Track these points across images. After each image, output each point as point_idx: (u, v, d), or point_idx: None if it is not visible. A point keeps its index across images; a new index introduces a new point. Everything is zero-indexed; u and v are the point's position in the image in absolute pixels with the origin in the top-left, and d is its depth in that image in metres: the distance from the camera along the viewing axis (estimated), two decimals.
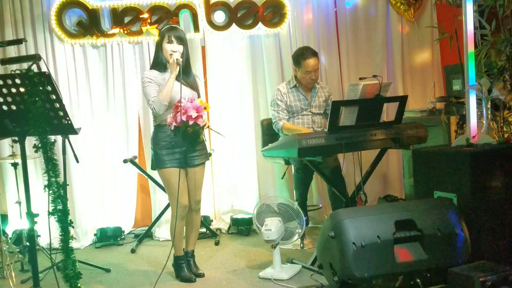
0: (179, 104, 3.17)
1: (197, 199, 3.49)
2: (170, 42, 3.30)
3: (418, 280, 2.76)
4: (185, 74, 3.36)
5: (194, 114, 3.17)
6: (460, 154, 3.06)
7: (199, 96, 3.44)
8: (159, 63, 3.38)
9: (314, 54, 3.93)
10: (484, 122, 3.30)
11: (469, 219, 2.92)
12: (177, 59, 3.22)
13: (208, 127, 3.38)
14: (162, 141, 3.34)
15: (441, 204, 2.97)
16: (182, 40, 3.33)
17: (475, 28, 3.37)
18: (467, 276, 2.60)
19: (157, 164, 3.39)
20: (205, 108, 3.24)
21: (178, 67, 3.23)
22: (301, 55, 3.92)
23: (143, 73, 3.45)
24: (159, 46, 3.37)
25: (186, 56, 3.36)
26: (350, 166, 3.83)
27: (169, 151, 3.33)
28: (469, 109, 3.27)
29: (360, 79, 3.61)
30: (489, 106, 3.31)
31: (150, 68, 3.44)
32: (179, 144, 3.31)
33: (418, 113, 4.23)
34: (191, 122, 3.17)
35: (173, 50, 3.28)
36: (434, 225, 2.82)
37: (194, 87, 3.42)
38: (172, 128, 3.23)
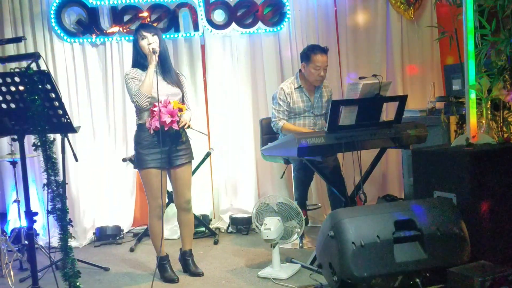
0: (154, 109, 3.16)
1: (187, 199, 3.45)
2: (143, 38, 3.25)
3: (418, 280, 2.76)
4: (166, 68, 3.31)
5: (168, 120, 3.16)
6: (459, 154, 3.06)
7: (183, 95, 3.39)
8: (139, 64, 3.32)
9: (325, 51, 3.87)
10: (483, 122, 3.30)
11: (469, 219, 2.92)
12: (153, 48, 3.19)
13: (189, 126, 3.32)
14: (144, 141, 3.29)
15: (440, 203, 2.97)
16: (155, 33, 3.28)
17: (475, 28, 3.37)
18: (467, 276, 2.59)
19: (138, 164, 3.34)
20: (180, 110, 3.22)
21: (155, 56, 3.19)
22: (312, 50, 3.84)
23: (126, 71, 3.40)
24: (135, 47, 3.32)
25: (163, 48, 3.30)
26: (350, 165, 3.83)
27: (150, 151, 3.28)
28: (468, 109, 3.26)
29: (360, 78, 3.60)
30: (489, 106, 3.31)
31: (132, 67, 3.39)
32: (163, 144, 3.26)
33: (417, 112, 4.23)
34: (166, 128, 3.17)
35: (149, 42, 3.23)
36: (434, 225, 2.81)
37: (177, 84, 3.37)
38: (152, 132, 3.23)
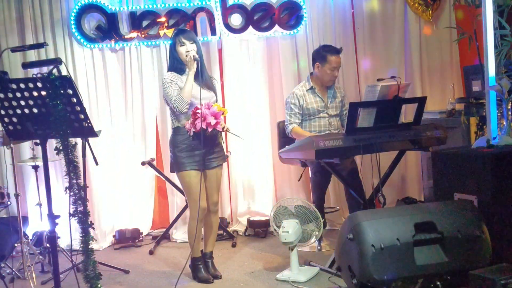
0: (197, 111, 3.21)
1: (214, 201, 3.51)
2: (182, 44, 3.33)
3: (438, 283, 2.74)
4: (202, 74, 3.37)
5: (212, 122, 3.20)
6: (480, 155, 3.02)
7: (217, 98, 3.47)
8: (175, 68, 3.40)
9: (339, 51, 3.91)
10: (504, 123, 3.26)
11: (490, 221, 2.88)
12: (193, 55, 3.26)
13: (227, 130, 3.39)
14: (181, 144, 3.35)
15: (461, 206, 2.93)
16: (193, 40, 3.36)
17: (494, 28, 3.33)
18: (488, 279, 2.56)
19: (176, 167, 3.40)
20: (223, 114, 3.27)
21: (195, 63, 3.26)
22: (328, 51, 3.87)
23: (163, 75, 3.47)
24: (172, 52, 3.40)
25: (200, 54, 3.38)
26: (368, 168, 3.82)
27: (189, 154, 3.34)
28: (489, 110, 3.23)
29: (378, 80, 3.59)
30: (509, 107, 3.27)
31: (168, 71, 3.47)
32: (198, 146, 3.33)
33: (437, 114, 4.19)
34: (210, 129, 3.21)
35: (187, 50, 3.31)
36: (455, 228, 2.78)
37: (211, 88, 3.44)
38: (191, 134, 3.27)
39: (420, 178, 4.71)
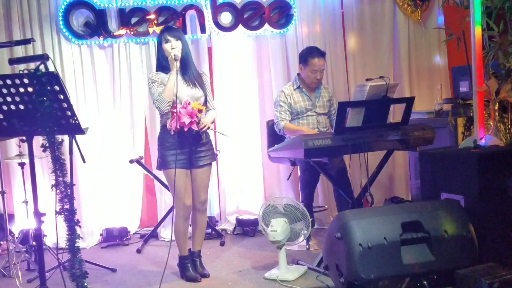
0: (174, 110, 3.20)
1: (202, 200, 3.49)
2: (167, 41, 3.30)
3: (425, 282, 2.75)
4: (187, 71, 3.35)
5: (187, 121, 3.18)
6: (467, 155, 3.05)
7: (206, 95, 3.43)
8: (162, 66, 3.39)
9: (322, 54, 3.95)
10: (491, 123, 3.29)
11: (477, 221, 2.91)
12: (174, 55, 3.24)
13: (209, 128, 3.36)
14: (167, 142, 3.34)
15: (448, 205, 2.95)
16: (179, 37, 3.33)
17: (483, 29, 3.36)
18: (474, 279, 2.59)
19: (162, 164, 3.40)
20: (200, 112, 3.24)
21: (176, 63, 3.24)
22: (310, 53, 3.93)
23: (148, 75, 3.46)
24: (159, 49, 3.38)
25: (185, 52, 3.34)
26: (356, 167, 3.84)
27: (174, 152, 3.33)
28: (476, 110, 3.25)
29: (367, 80, 3.60)
30: (496, 107, 3.30)
31: (155, 71, 3.45)
32: (184, 145, 3.32)
33: (425, 114, 4.22)
34: (185, 129, 3.20)
35: (172, 47, 3.28)
36: (441, 227, 2.80)
37: (200, 86, 3.40)
38: (172, 133, 3.26)
39: (408, 178, 4.74)
